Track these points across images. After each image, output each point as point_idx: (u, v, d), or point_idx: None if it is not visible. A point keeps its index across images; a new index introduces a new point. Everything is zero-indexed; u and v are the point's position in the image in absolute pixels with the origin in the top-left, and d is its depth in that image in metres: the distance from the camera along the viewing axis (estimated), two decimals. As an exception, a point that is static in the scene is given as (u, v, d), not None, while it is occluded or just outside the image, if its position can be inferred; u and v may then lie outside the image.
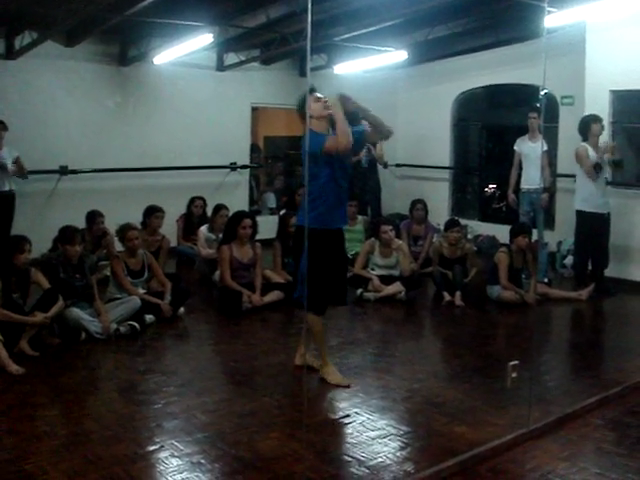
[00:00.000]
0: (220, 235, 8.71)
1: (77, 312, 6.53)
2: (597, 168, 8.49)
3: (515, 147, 9.64)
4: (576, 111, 9.96)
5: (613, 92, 9.30)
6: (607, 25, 9.12)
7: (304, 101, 5.47)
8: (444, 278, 8.57)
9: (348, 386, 5.47)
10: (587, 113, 8.98)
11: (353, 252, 9.36)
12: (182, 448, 4.29)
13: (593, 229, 8.60)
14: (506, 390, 4.95)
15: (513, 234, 8.38)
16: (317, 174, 5.29)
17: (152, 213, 8.75)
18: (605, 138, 8.96)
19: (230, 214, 8.91)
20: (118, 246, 8.01)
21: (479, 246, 11.02)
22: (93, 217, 9.11)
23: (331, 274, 5.46)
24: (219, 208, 9.61)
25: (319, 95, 5.56)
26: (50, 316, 6.19)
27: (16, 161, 9.14)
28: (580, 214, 8.65)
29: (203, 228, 9.58)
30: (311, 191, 5.28)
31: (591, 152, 8.56)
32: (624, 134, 9.62)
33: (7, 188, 9.18)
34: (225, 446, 4.33)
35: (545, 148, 9.21)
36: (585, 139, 8.66)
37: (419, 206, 9.88)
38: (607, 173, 8.77)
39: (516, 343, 6.98)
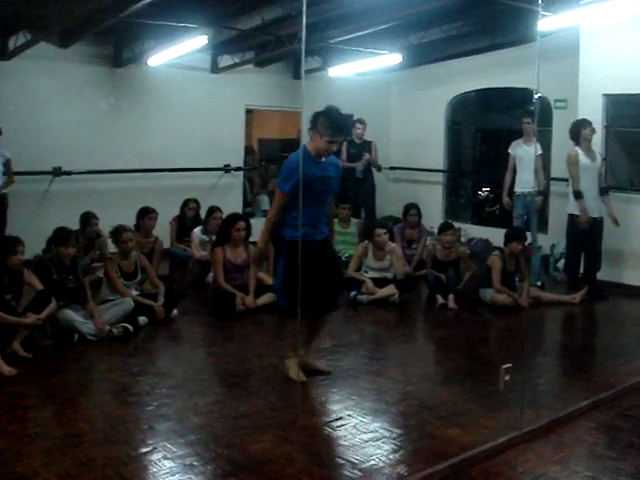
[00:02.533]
0: (213, 237, 8.70)
1: (70, 314, 6.52)
2: (578, 196, 8.52)
3: (509, 150, 9.65)
4: (569, 115, 9.97)
5: (606, 96, 9.33)
6: (601, 29, 9.14)
7: (323, 125, 5.39)
8: (437, 281, 8.57)
9: (303, 382, 5.43)
10: (580, 117, 9.00)
11: (347, 255, 9.37)
12: (175, 450, 4.29)
13: (585, 233, 8.61)
14: (499, 393, 4.95)
15: (508, 239, 8.39)
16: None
17: (145, 214, 8.75)
18: (598, 142, 8.99)
19: (224, 216, 8.91)
20: (111, 247, 8.01)
21: (472, 249, 11.04)
22: (87, 219, 9.09)
23: (313, 283, 5.19)
24: (213, 210, 9.62)
25: (339, 140, 5.52)
26: (43, 317, 6.18)
27: (6, 164, 9.11)
28: (572, 218, 8.66)
29: (197, 230, 9.58)
30: (291, 206, 5.30)
31: (582, 157, 8.58)
32: (617, 138, 9.64)
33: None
34: (218, 448, 4.33)
35: (539, 152, 9.23)
36: (577, 143, 8.68)
37: (413, 212, 9.89)
38: (600, 177, 8.78)
39: (509, 346, 6.99)
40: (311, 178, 5.29)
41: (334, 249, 6.13)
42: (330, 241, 5.85)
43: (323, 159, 5.48)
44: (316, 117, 5.45)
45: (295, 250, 4.69)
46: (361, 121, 11.33)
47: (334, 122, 5.40)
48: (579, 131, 8.63)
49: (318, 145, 5.41)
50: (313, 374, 5.74)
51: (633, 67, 8.86)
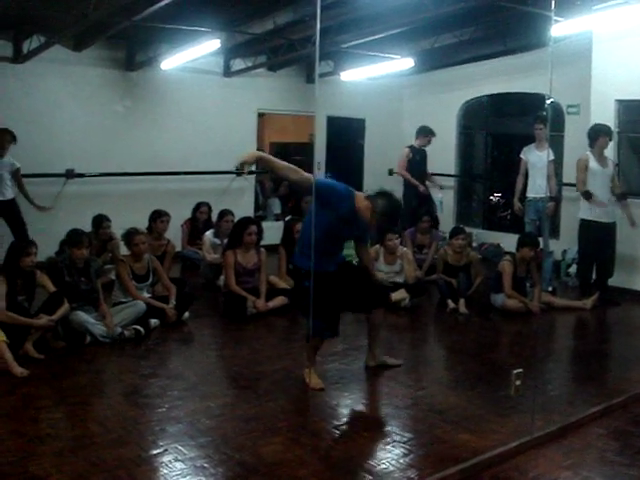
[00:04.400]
0: (225, 240, 8.72)
1: (82, 315, 6.54)
2: (586, 195, 8.51)
3: (522, 155, 9.62)
4: (582, 120, 9.97)
5: (619, 102, 9.31)
6: (613, 35, 9.13)
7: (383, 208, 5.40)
8: (448, 286, 8.56)
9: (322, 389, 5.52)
10: (593, 122, 8.98)
11: (357, 259, 9.36)
12: (186, 452, 4.30)
13: (598, 238, 8.59)
14: (510, 398, 4.95)
15: (520, 244, 8.37)
16: (320, 222, 5.10)
17: (157, 217, 8.77)
18: (611, 147, 8.97)
19: (235, 220, 8.93)
20: (123, 250, 8.04)
21: (484, 254, 11.03)
22: (100, 221, 9.12)
23: (328, 307, 5.42)
24: (224, 213, 9.63)
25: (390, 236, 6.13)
26: (55, 319, 6.22)
27: (15, 173, 9.16)
28: (584, 223, 8.64)
29: (208, 233, 9.60)
30: (308, 235, 5.26)
31: (593, 162, 8.56)
32: (629, 144, 9.62)
33: (8, 197, 9.18)
34: (229, 450, 4.34)
35: (551, 157, 9.23)
36: (592, 146, 8.65)
37: (425, 218, 9.86)
38: (613, 183, 8.76)
39: (520, 351, 6.97)
40: (338, 222, 5.33)
41: (352, 265, 6.36)
42: (347, 262, 6.10)
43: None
44: (383, 205, 5.39)
45: (315, 279, 4.79)
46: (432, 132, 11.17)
47: (393, 217, 5.77)
48: (597, 137, 8.59)
49: (372, 223, 5.48)
50: (374, 368, 6.03)
51: (646, 73, 8.86)
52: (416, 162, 10.83)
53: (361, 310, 6.05)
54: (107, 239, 9.12)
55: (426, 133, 10.96)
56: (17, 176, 9.20)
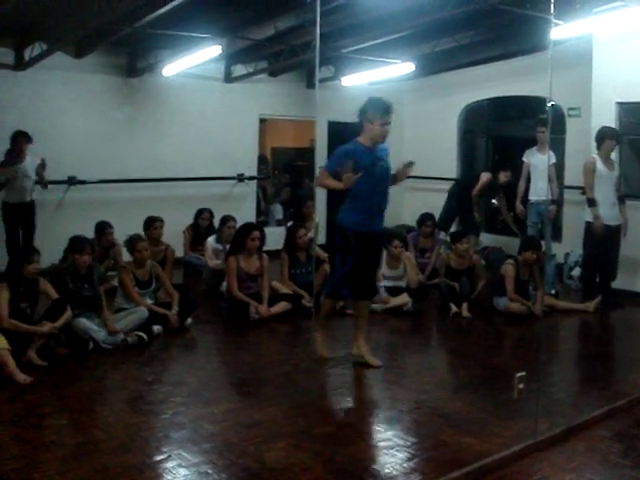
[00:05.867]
0: (227, 246, 8.73)
1: (85, 322, 6.55)
2: (590, 203, 8.51)
3: (524, 159, 9.63)
4: (583, 123, 9.98)
5: (620, 104, 9.31)
6: (614, 38, 9.13)
7: (371, 113, 5.87)
8: (451, 290, 8.56)
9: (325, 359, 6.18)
10: (594, 125, 8.99)
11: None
12: (189, 458, 4.30)
13: (603, 241, 8.57)
14: (513, 401, 4.94)
15: (523, 247, 8.38)
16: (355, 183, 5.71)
17: (151, 224, 8.81)
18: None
19: (237, 225, 8.94)
20: (125, 256, 8.04)
21: (486, 258, 11.01)
22: (102, 228, 9.14)
23: (365, 270, 6.09)
24: (227, 219, 9.64)
25: (388, 120, 5.89)
26: (58, 326, 6.23)
27: (38, 168, 9.19)
28: (589, 225, 8.63)
29: (210, 239, 9.61)
30: (350, 198, 5.91)
31: (599, 165, 8.55)
32: (630, 146, 9.62)
33: (29, 199, 9.24)
34: (232, 456, 4.34)
35: (553, 160, 9.24)
36: (598, 149, 8.65)
37: (428, 223, 9.84)
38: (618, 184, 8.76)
39: (523, 354, 6.97)
40: (369, 166, 5.79)
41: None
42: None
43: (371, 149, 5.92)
44: (362, 109, 5.92)
45: (357, 240, 5.82)
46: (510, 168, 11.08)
47: (381, 105, 5.90)
48: (603, 140, 8.59)
49: (372, 131, 5.85)
50: (365, 366, 6.12)
51: (646, 75, 8.85)
52: None
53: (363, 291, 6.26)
54: (109, 246, 9.13)
55: None
56: (39, 171, 9.24)
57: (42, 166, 9.17)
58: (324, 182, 6.03)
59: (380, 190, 5.98)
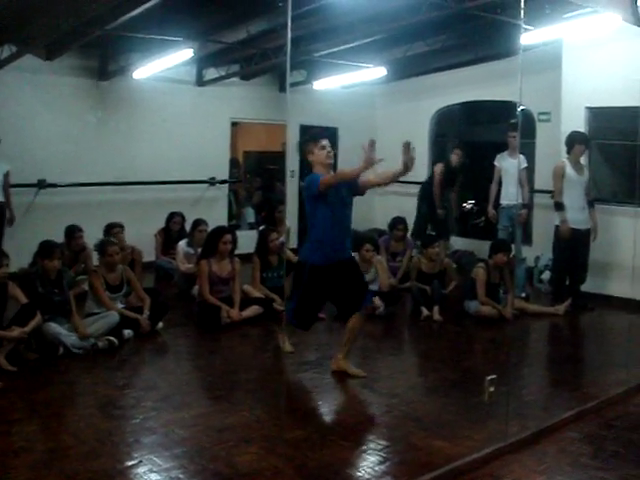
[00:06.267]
0: (199, 249, 8.70)
1: (55, 327, 6.50)
2: (558, 207, 8.59)
3: (495, 162, 9.68)
4: (553, 128, 10.06)
5: (589, 109, 9.40)
6: (583, 43, 9.21)
7: (306, 145, 5.90)
8: (422, 293, 8.59)
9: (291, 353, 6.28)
10: (564, 130, 9.08)
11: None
12: (160, 463, 4.28)
13: (572, 245, 8.65)
14: (484, 404, 4.96)
15: (493, 250, 8.43)
16: (316, 214, 5.75)
17: (111, 230, 8.81)
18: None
19: (209, 229, 8.91)
20: (96, 260, 7.99)
21: (457, 261, 11.06)
22: (72, 232, 9.07)
23: (336, 296, 6.09)
24: (198, 223, 9.62)
25: (324, 143, 5.84)
26: (28, 331, 6.16)
27: (6, 176, 9.10)
28: (559, 229, 8.69)
29: (182, 243, 9.57)
30: (312, 230, 5.84)
31: (569, 170, 8.63)
32: (600, 151, 9.71)
33: None
34: (203, 461, 4.33)
35: (524, 165, 9.32)
36: (568, 153, 8.72)
37: (400, 226, 9.86)
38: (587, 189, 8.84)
39: (494, 358, 7.01)
40: (330, 196, 5.69)
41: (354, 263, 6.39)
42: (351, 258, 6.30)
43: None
44: (300, 146, 6.15)
45: (312, 274, 5.78)
46: (459, 146, 11.14)
47: (311, 134, 6.02)
48: (573, 144, 8.67)
49: (318, 158, 5.82)
50: (348, 377, 6.01)
51: (615, 80, 8.92)
52: None
53: (346, 310, 6.14)
54: (80, 250, 9.06)
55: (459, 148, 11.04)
56: (6, 179, 9.14)
57: (7, 175, 9.12)
58: (337, 175, 5.85)
59: (342, 219, 5.87)
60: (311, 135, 5.98)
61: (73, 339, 6.57)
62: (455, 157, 10.53)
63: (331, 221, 5.74)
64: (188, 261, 9.28)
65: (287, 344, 6.44)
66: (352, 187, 5.85)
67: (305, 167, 12.61)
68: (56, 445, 4.57)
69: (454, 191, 11.09)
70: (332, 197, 5.69)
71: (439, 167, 10.66)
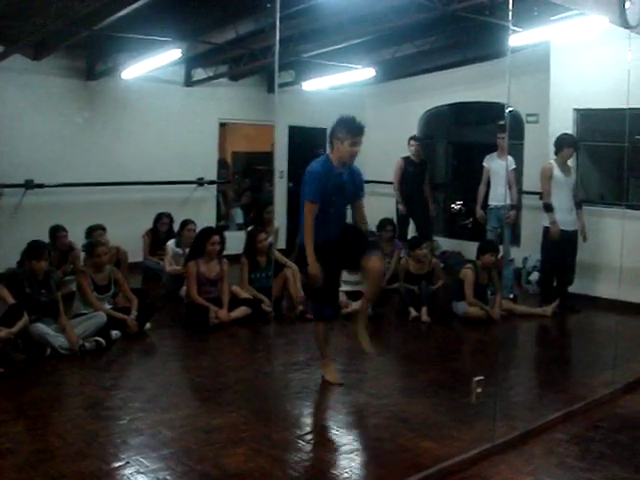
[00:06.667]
0: (187, 250, 8.69)
1: (42, 327, 6.47)
2: (546, 208, 8.62)
3: (484, 164, 9.70)
4: (541, 129, 10.09)
5: (577, 111, 9.44)
6: (571, 45, 9.25)
7: (342, 132, 5.71)
8: (410, 294, 8.60)
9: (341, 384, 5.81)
10: (552, 131, 9.10)
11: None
12: (148, 464, 4.26)
13: (560, 246, 8.68)
14: (471, 405, 4.96)
15: (481, 251, 8.45)
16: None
17: (93, 232, 8.78)
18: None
19: (197, 229, 8.90)
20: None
21: (445, 262, 11.09)
22: (56, 231, 9.05)
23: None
24: (186, 223, 9.60)
25: (358, 141, 5.76)
26: (15, 331, 6.14)
27: None
28: (547, 231, 8.72)
29: (170, 243, 9.55)
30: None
31: (556, 171, 8.66)
32: (587, 152, 9.75)
33: None
34: (191, 462, 4.31)
35: (513, 166, 9.35)
36: (557, 154, 8.75)
37: (388, 227, 9.87)
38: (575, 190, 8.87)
39: (481, 359, 7.03)
40: (332, 187, 5.65)
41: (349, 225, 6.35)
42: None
43: (339, 170, 5.75)
44: (333, 127, 5.77)
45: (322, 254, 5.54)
46: (415, 138, 11.28)
47: (352, 125, 5.75)
48: (562, 147, 8.69)
49: (340, 151, 5.68)
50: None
51: (603, 82, 8.95)
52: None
53: (356, 254, 5.83)
54: (67, 250, 9.04)
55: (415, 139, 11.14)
56: None
57: None
58: (309, 229, 5.57)
59: (337, 208, 5.87)
60: (354, 126, 5.77)
61: (60, 340, 6.54)
62: (412, 149, 10.59)
63: (326, 208, 5.67)
64: (176, 262, 9.25)
65: (334, 374, 5.96)
66: (350, 197, 5.99)
67: (294, 168, 12.68)
68: (43, 446, 4.54)
69: (425, 185, 11.06)
70: (332, 189, 5.67)
71: (398, 162, 10.70)
